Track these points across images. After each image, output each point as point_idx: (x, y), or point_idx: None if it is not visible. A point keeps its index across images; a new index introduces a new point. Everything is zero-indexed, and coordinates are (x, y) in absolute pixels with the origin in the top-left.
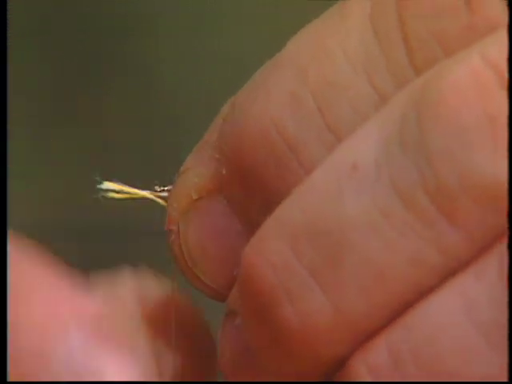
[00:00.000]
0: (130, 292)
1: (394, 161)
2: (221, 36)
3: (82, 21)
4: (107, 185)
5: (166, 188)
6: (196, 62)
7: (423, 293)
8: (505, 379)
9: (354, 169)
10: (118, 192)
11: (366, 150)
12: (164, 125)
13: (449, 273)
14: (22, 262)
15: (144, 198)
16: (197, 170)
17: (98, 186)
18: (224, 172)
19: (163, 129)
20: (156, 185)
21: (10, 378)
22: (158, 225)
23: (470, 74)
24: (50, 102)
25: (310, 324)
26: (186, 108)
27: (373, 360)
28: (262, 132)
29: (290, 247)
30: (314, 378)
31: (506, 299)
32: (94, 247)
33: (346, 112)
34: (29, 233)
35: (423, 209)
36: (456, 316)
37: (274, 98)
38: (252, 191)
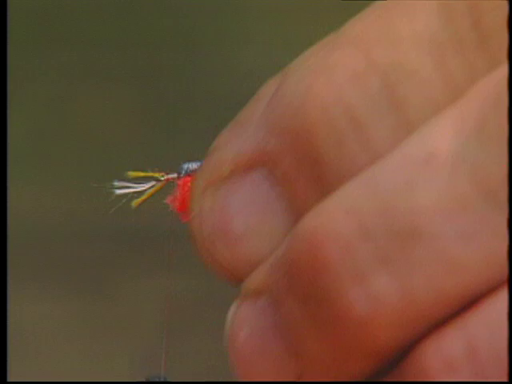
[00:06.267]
0: None
1: (474, 154)
2: (222, 38)
3: (82, 19)
4: (120, 184)
5: (169, 176)
6: (193, 63)
7: (496, 286)
8: None
9: (430, 158)
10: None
11: (443, 140)
12: (164, 127)
13: None
14: None
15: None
16: (234, 145)
17: (114, 187)
18: (273, 143)
19: (163, 131)
20: (158, 171)
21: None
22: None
23: None
24: (49, 101)
25: (374, 307)
26: (185, 109)
27: (447, 350)
28: (325, 109)
29: (358, 226)
30: (360, 368)
31: None
32: (96, 248)
33: (413, 95)
34: (29, 233)
35: (503, 204)
36: None
37: (339, 75)
38: (304, 165)
